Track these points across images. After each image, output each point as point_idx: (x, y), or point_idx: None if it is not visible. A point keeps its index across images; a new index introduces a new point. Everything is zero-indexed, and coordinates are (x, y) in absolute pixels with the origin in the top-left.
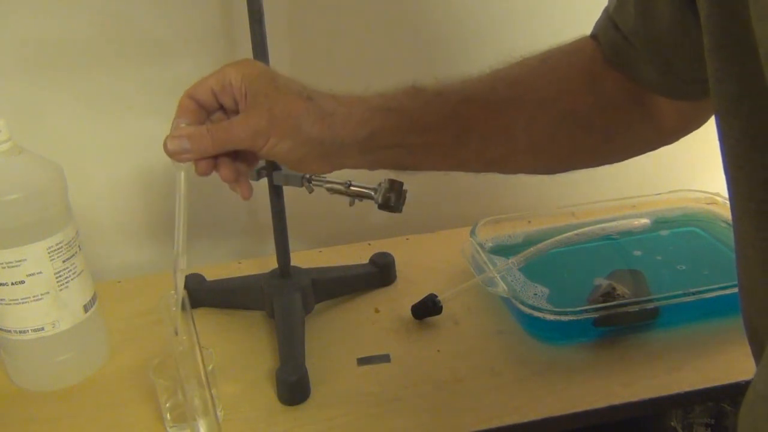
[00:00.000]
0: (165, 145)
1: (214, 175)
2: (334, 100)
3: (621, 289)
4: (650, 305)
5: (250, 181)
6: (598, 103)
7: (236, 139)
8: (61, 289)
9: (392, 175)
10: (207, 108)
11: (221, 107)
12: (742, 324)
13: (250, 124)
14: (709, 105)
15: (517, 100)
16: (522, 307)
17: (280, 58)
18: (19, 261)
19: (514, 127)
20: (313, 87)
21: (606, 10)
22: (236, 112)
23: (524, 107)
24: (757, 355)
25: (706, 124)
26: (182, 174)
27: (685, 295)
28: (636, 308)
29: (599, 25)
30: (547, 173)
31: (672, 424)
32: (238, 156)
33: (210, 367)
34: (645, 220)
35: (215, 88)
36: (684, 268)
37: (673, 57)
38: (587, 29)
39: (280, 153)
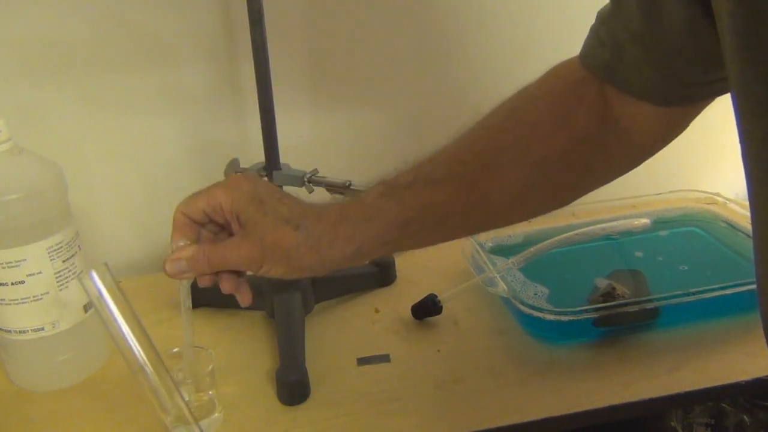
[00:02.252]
0: (165, 267)
1: (216, 174)
2: (319, 221)
3: (621, 289)
4: (650, 305)
5: None
6: (573, 137)
7: (231, 263)
8: (61, 289)
9: None
10: (199, 223)
11: (212, 220)
12: (743, 324)
13: (242, 254)
14: (695, 111)
15: (488, 168)
16: (522, 307)
17: (279, 59)
18: (19, 261)
19: (491, 193)
20: (297, 203)
21: (592, 30)
22: (228, 226)
23: (497, 172)
24: None
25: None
26: (186, 288)
27: (685, 295)
28: (636, 308)
29: (586, 47)
30: (534, 217)
31: (672, 424)
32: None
33: (210, 368)
34: (645, 220)
35: (206, 209)
36: (686, 268)
37: (677, 59)
38: (586, 27)
39: (275, 275)
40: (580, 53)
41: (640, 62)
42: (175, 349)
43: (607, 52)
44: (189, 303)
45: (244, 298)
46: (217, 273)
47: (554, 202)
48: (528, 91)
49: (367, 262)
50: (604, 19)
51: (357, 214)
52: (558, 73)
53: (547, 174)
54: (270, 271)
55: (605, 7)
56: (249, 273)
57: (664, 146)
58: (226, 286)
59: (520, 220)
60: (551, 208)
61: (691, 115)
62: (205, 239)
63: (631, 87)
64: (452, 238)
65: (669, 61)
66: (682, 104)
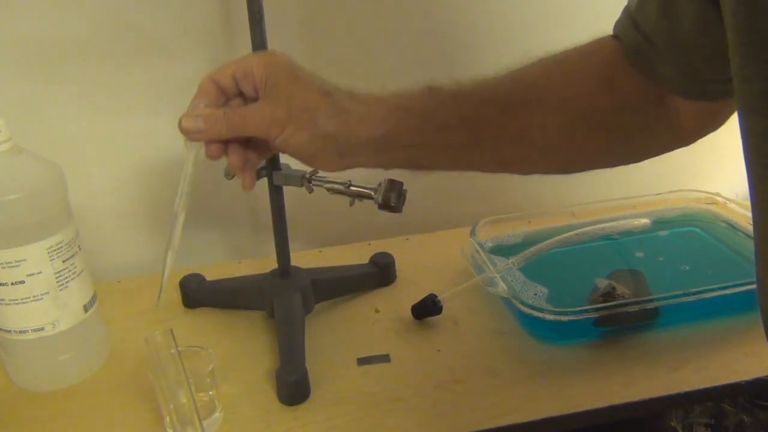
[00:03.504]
0: (180, 122)
1: (216, 174)
2: (352, 98)
3: (621, 289)
4: (650, 305)
5: None
6: (616, 103)
7: (252, 125)
8: (61, 289)
9: (392, 175)
10: (227, 93)
11: (241, 94)
12: (743, 324)
13: (267, 113)
14: (728, 106)
15: (533, 102)
16: (522, 307)
17: None
18: (19, 261)
19: (530, 128)
20: (334, 83)
21: (626, 9)
22: (255, 99)
23: (541, 109)
24: None
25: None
26: (192, 155)
27: (685, 295)
28: (636, 308)
29: (620, 25)
30: (562, 173)
31: (672, 424)
32: (249, 144)
33: (210, 368)
34: (645, 220)
35: (237, 74)
36: (686, 268)
37: (694, 57)
38: (603, 28)
39: (295, 145)
40: (615, 31)
41: (664, 55)
42: (172, 350)
43: (641, 37)
44: (190, 172)
45: (248, 179)
46: (228, 143)
47: (585, 161)
48: (576, 49)
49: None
50: (631, 12)
51: (394, 102)
52: (603, 43)
53: (586, 129)
54: (292, 137)
55: (630, 3)
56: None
57: (704, 135)
58: (234, 159)
59: (546, 171)
60: (579, 169)
61: (724, 110)
62: None
63: (657, 76)
64: (477, 167)
65: (686, 58)
66: (705, 99)
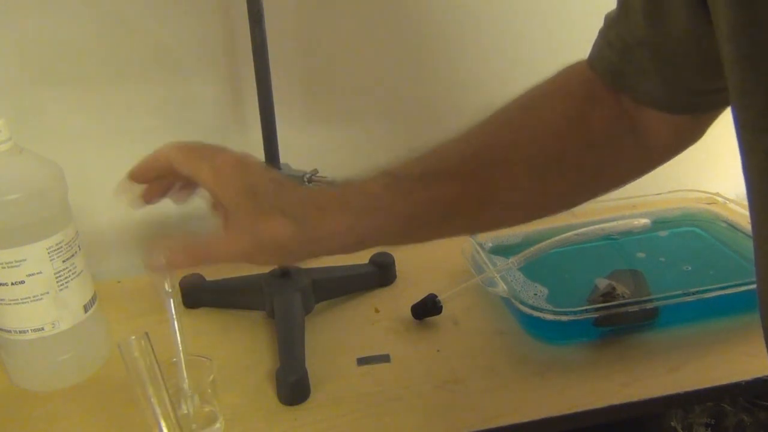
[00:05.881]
0: (144, 262)
1: None
2: (317, 209)
3: (621, 289)
4: (650, 305)
5: None
6: (588, 141)
7: (221, 258)
8: (61, 289)
9: None
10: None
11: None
12: (743, 324)
13: (235, 249)
14: (706, 119)
15: (500, 164)
16: (522, 307)
17: (279, 59)
18: (19, 261)
19: (501, 191)
20: (293, 191)
21: (601, 32)
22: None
23: (508, 169)
24: None
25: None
26: (165, 282)
27: (685, 295)
28: (636, 308)
29: (596, 49)
30: (527, 222)
31: (672, 424)
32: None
33: (210, 378)
34: (645, 220)
35: (186, 174)
36: (686, 268)
37: (684, 67)
38: (586, 30)
39: (268, 266)
40: (589, 57)
41: (647, 68)
42: (174, 359)
43: (615, 56)
44: (172, 310)
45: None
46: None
47: (562, 204)
48: (541, 89)
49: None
50: (611, 23)
51: (360, 204)
52: (571, 75)
53: (558, 175)
54: (265, 263)
55: (612, 11)
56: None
57: (678, 154)
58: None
59: (525, 221)
60: (558, 211)
61: (703, 124)
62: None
63: (638, 93)
64: (456, 235)
65: (674, 68)
66: (689, 112)
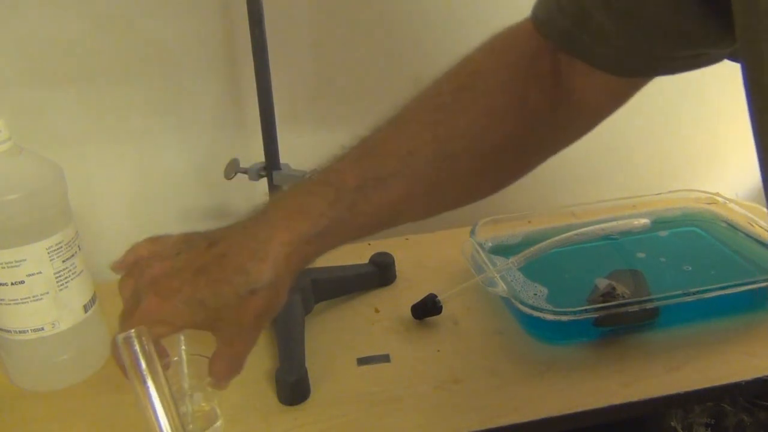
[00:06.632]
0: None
1: (217, 174)
2: (269, 264)
3: (621, 289)
4: (650, 305)
5: (251, 180)
6: (526, 122)
7: (241, 358)
8: (61, 289)
9: None
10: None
11: None
12: (743, 324)
13: (239, 349)
14: (646, 81)
15: (441, 158)
16: (522, 307)
17: (280, 60)
18: (19, 261)
19: (446, 184)
20: (234, 259)
21: None
22: None
23: (451, 162)
24: None
25: (707, 125)
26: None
27: (685, 295)
28: (636, 308)
29: (544, 15)
30: (483, 198)
31: (672, 424)
32: None
33: (217, 424)
34: (645, 220)
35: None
36: (686, 268)
37: (653, 32)
38: None
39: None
40: (536, 20)
41: (608, 32)
42: (176, 358)
43: (568, 20)
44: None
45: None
46: None
47: (505, 183)
48: (476, 64)
49: None
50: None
51: (308, 230)
52: (508, 44)
53: (500, 159)
54: (265, 324)
55: None
56: None
57: (609, 116)
58: None
59: (470, 202)
60: (500, 189)
61: (640, 86)
62: None
63: (593, 57)
64: (411, 222)
65: (644, 33)
66: (643, 76)
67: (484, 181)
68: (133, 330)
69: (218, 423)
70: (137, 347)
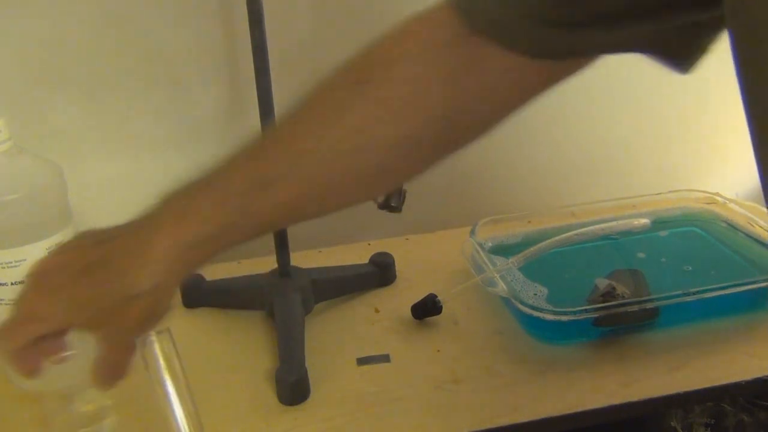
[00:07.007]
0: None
1: None
2: (150, 269)
3: (621, 288)
4: (650, 305)
5: None
6: (427, 118)
7: (125, 362)
8: None
9: None
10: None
11: None
12: (743, 324)
13: (126, 357)
14: (571, 67)
15: (335, 157)
16: (521, 307)
17: (280, 60)
18: (19, 261)
19: (340, 183)
20: (119, 265)
21: None
22: None
23: (345, 160)
24: None
25: (706, 125)
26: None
27: (685, 295)
28: (636, 308)
29: (467, 3)
30: (380, 195)
31: (672, 424)
32: None
33: (108, 420)
34: (645, 220)
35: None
36: (687, 268)
37: (587, 10)
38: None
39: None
40: (460, 10)
41: (533, 12)
42: (72, 352)
43: (492, 3)
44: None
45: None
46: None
47: (404, 179)
48: (376, 56)
49: None
50: None
51: (191, 236)
52: (415, 33)
53: (398, 156)
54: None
55: None
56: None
57: (514, 112)
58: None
59: (373, 198)
60: (405, 183)
61: (560, 74)
62: None
63: (518, 42)
64: (314, 219)
65: (580, 13)
66: (569, 58)
67: (384, 177)
68: (153, 332)
69: (110, 419)
70: (157, 350)
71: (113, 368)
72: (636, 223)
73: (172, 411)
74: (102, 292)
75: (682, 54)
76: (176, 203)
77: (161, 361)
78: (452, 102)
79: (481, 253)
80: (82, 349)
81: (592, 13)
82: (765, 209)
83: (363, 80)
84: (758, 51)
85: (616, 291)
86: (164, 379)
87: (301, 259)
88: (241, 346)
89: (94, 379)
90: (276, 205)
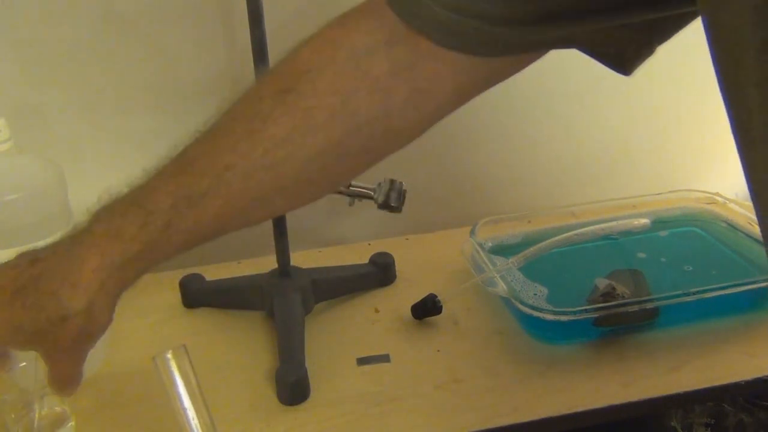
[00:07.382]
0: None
1: None
2: (81, 291)
3: (621, 288)
4: (650, 305)
5: None
6: (352, 124)
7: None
8: None
9: (393, 174)
10: None
11: None
12: (743, 324)
13: (75, 371)
14: (510, 66)
15: (260, 169)
16: (522, 307)
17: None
18: None
19: (266, 195)
20: (47, 288)
21: None
22: None
23: (271, 172)
24: None
25: (706, 125)
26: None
27: (685, 295)
28: (636, 308)
29: (414, 8)
30: (313, 201)
31: (672, 424)
32: None
33: (68, 425)
34: (645, 220)
35: None
36: (687, 268)
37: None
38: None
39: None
40: (402, 14)
41: (484, 13)
42: (23, 364)
43: (443, 12)
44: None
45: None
46: None
47: (331, 187)
48: (301, 63)
49: None
50: None
51: (119, 256)
52: (339, 39)
53: (323, 165)
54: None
55: None
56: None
57: (457, 109)
58: None
59: (302, 206)
60: (328, 193)
61: (500, 73)
62: None
63: (467, 41)
64: (242, 228)
65: (533, 10)
66: (509, 54)
67: (313, 186)
68: (170, 350)
69: (69, 424)
70: (174, 368)
71: (66, 380)
72: (636, 223)
73: (190, 428)
74: (35, 314)
75: (627, 54)
76: (103, 224)
77: (178, 378)
78: (380, 109)
79: (481, 253)
80: (33, 359)
81: (544, 11)
82: None
83: (288, 89)
84: (734, 53)
85: (616, 291)
86: (181, 395)
87: (301, 259)
88: (241, 346)
89: (51, 388)
90: (202, 221)
